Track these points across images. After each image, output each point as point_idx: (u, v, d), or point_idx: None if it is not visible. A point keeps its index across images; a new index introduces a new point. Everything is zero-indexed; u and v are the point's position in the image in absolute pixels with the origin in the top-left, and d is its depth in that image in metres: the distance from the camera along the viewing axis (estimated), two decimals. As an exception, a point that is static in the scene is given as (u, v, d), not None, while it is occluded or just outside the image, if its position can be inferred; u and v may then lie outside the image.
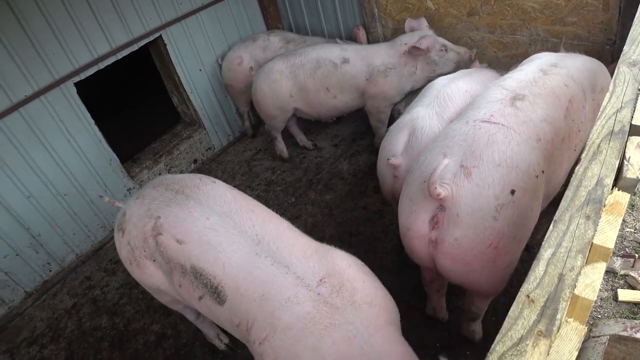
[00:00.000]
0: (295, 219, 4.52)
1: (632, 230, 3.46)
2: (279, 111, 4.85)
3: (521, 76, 2.77)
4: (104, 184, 4.81)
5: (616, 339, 2.20)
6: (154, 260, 2.55)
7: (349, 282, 2.06)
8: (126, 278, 4.41)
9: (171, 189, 2.62)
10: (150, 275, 2.64)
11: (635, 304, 3.06)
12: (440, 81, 3.52)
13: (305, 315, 1.94)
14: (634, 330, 2.22)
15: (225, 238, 2.26)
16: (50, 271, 4.61)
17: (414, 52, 4.23)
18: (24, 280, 4.43)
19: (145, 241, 2.53)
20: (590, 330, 2.34)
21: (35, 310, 4.38)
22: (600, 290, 3.04)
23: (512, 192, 2.24)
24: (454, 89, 3.32)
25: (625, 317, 2.94)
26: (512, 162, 2.29)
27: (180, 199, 2.52)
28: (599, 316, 3.00)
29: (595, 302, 3.00)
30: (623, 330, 2.23)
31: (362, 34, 4.97)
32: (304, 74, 4.60)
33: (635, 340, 2.17)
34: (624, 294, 3.09)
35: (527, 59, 3.26)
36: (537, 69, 2.83)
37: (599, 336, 2.28)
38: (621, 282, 3.20)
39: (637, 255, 3.27)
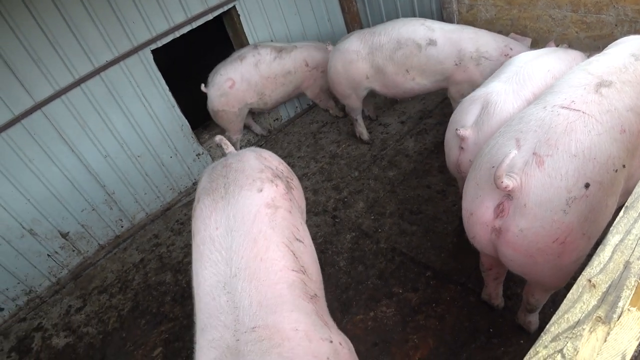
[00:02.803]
0: (357, 193, 4.53)
1: None
2: (353, 91, 4.71)
3: (609, 60, 2.55)
4: (174, 147, 5.02)
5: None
6: None
7: (279, 337, 1.86)
8: (191, 239, 4.61)
9: (225, 178, 2.60)
10: None
11: None
12: (522, 57, 3.35)
13: None
14: None
15: (213, 258, 2.21)
16: (122, 227, 4.91)
17: None
18: (98, 234, 4.76)
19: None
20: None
21: (106, 262, 4.71)
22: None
23: (587, 185, 2.09)
24: (536, 68, 3.15)
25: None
26: (590, 154, 2.12)
27: (218, 196, 2.49)
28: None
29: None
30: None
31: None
32: (382, 55, 4.36)
33: None
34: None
35: (614, 42, 3.02)
36: (628, 53, 2.58)
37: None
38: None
39: None
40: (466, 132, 2.96)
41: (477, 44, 4.08)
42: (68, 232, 4.53)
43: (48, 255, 4.48)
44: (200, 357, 1.91)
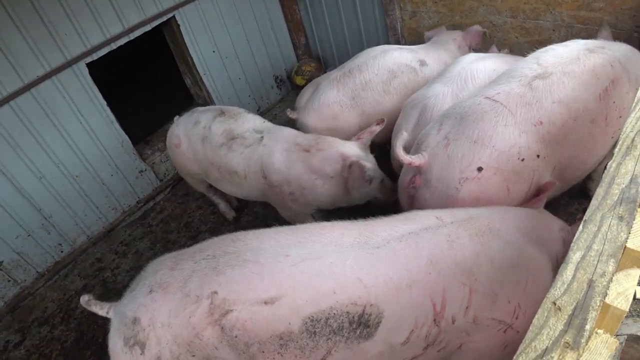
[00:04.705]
0: (307, 205, 4.45)
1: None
2: None
3: (564, 51, 2.72)
4: (115, 165, 4.78)
5: (634, 339, 2.13)
6: (216, 358, 1.93)
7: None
8: (136, 261, 4.40)
9: (205, 257, 2.03)
10: None
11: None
12: (468, 58, 3.42)
13: (485, 232, 2.07)
14: (652, 331, 2.14)
15: (333, 259, 1.89)
16: (61, 252, 4.61)
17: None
18: (36, 261, 4.44)
19: (197, 337, 1.89)
20: (607, 328, 2.27)
21: (46, 291, 4.42)
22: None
23: (479, 169, 2.40)
24: (481, 68, 3.23)
25: (646, 316, 2.84)
26: (489, 142, 2.40)
27: (232, 259, 1.96)
28: (618, 313, 2.91)
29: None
30: (640, 331, 2.15)
31: None
32: (372, 94, 3.74)
33: (654, 341, 2.09)
34: (645, 292, 2.99)
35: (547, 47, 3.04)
36: (584, 47, 2.74)
37: (617, 335, 2.20)
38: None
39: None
40: (404, 136, 3.00)
41: (450, 54, 4.00)
42: (2, 261, 4.20)
43: (-20, 287, 4.14)
44: (465, 258, 1.98)
